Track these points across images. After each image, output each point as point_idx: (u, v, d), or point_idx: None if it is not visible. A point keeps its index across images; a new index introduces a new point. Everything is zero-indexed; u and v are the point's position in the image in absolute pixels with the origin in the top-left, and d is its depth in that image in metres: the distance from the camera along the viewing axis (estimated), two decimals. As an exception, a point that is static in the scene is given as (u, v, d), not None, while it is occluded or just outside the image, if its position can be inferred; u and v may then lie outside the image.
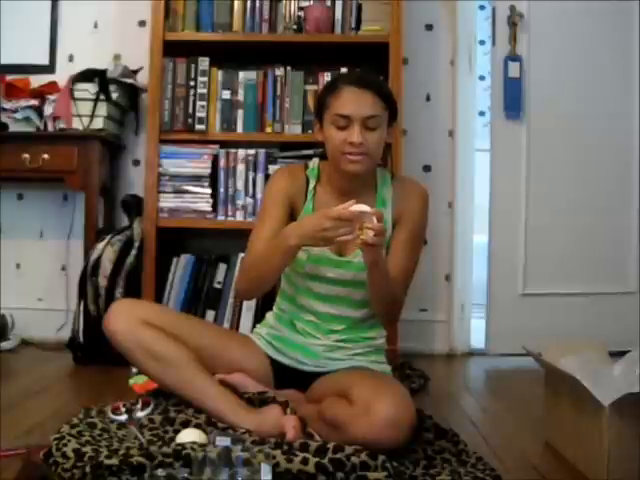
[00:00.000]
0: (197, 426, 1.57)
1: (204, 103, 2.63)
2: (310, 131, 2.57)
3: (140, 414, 1.65)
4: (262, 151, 2.65)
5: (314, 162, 1.83)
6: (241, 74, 2.66)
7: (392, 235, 1.73)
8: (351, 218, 1.50)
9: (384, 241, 1.58)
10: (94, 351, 2.41)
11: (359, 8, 2.63)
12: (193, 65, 2.64)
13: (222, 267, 2.63)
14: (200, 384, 1.63)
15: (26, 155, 2.59)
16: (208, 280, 2.62)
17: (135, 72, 2.82)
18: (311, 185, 1.78)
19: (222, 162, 2.65)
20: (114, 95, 2.70)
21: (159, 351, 1.64)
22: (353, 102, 1.63)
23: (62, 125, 2.64)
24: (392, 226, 1.74)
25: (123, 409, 1.67)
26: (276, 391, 1.71)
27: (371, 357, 1.78)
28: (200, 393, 1.62)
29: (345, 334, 1.76)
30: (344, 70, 2.60)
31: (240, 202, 2.62)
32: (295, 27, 2.64)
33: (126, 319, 1.67)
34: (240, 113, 2.65)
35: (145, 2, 2.68)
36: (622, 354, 1.56)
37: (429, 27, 2.95)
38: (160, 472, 1.29)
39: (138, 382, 2.02)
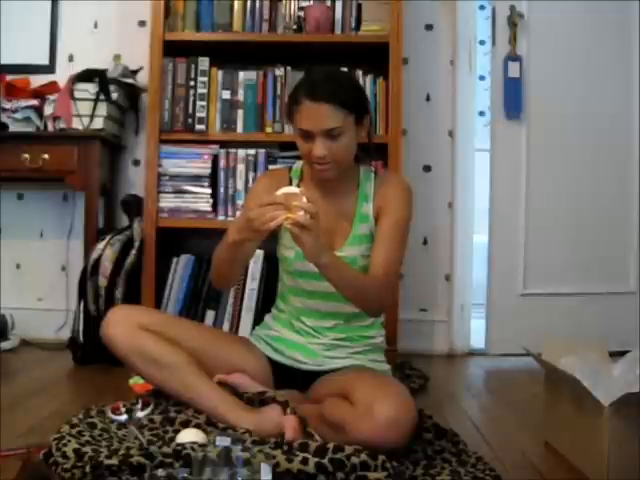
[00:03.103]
0: (197, 426, 1.57)
1: (204, 103, 2.63)
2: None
3: (140, 414, 1.65)
4: (262, 151, 2.65)
5: (298, 163, 1.85)
6: (241, 74, 2.66)
7: (375, 229, 1.73)
8: (275, 202, 1.47)
9: (318, 226, 1.49)
10: (94, 351, 2.41)
11: (359, 8, 2.63)
12: (193, 65, 2.64)
13: (222, 267, 2.63)
14: (199, 386, 1.63)
15: (26, 155, 2.59)
16: (208, 280, 2.62)
17: (135, 72, 2.82)
18: (294, 184, 1.80)
19: (222, 162, 2.65)
20: (114, 95, 2.69)
21: (157, 355, 1.64)
22: (311, 118, 1.61)
23: (62, 125, 2.64)
24: (375, 220, 1.74)
25: (123, 409, 1.67)
26: (276, 391, 1.71)
27: (369, 356, 1.78)
28: (199, 395, 1.62)
29: (343, 332, 1.76)
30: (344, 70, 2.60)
31: (240, 202, 2.62)
32: (295, 27, 2.64)
33: (124, 325, 1.67)
34: (240, 113, 2.65)
35: (145, 2, 2.68)
36: (622, 354, 1.56)
37: (429, 27, 2.95)
38: (160, 472, 1.29)
39: (138, 382, 2.02)
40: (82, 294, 2.52)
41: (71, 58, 2.96)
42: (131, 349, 1.65)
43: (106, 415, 1.66)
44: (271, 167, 2.61)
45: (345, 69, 2.59)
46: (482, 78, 3.46)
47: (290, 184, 1.79)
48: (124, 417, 1.65)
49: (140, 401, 1.70)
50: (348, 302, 1.67)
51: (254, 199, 1.67)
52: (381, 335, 1.85)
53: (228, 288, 1.81)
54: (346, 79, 1.72)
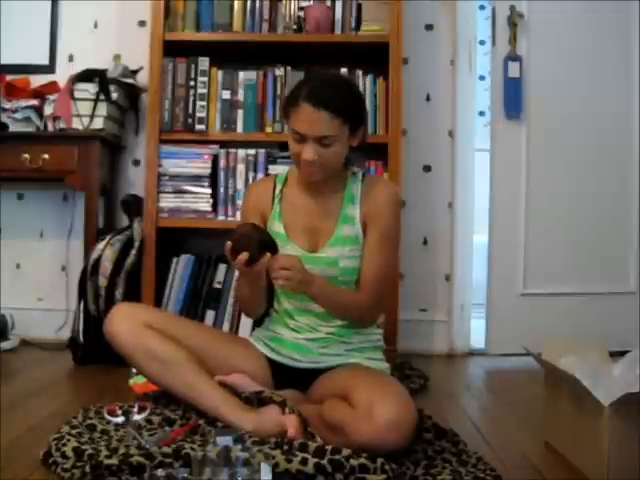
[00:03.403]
0: (197, 427, 1.57)
1: (204, 103, 2.63)
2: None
3: (137, 417, 1.65)
4: (262, 151, 2.65)
5: (285, 169, 1.89)
6: (241, 74, 2.66)
7: (364, 239, 1.75)
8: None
9: (297, 274, 1.58)
10: (94, 351, 2.42)
11: (359, 8, 2.63)
12: (193, 65, 2.64)
13: (222, 267, 2.63)
14: (200, 385, 1.63)
15: (26, 155, 2.59)
16: (208, 280, 2.62)
17: (135, 72, 2.82)
18: (277, 190, 1.83)
19: (222, 162, 2.65)
20: (114, 95, 2.69)
21: (160, 353, 1.65)
22: (307, 122, 1.61)
23: (62, 125, 2.64)
24: (362, 224, 1.75)
25: (119, 412, 1.67)
26: (274, 391, 1.71)
27: (366, 353, 1.78)
28: (201, 395, 1.62)
29: (337, 328, 1.77)
30: (344, 70, 2.61)
31: (240, 202, 2.62)
32: (295, 27, 2.64)
33: (128, 321, 1.69)
34: (240, 113, 2.65)
35: (145, 2, 2.68)
36: (622, 354, 1.56)
37: (429, 27, 2.95)
38: (160, 472, 1.29)
39: (138, 382, 2.02)
40: (82, 294, 2.52)
41: (71, 58, 2.96)
42: (135, 346, 1.66)
43: (102, 417, 1.67)
44: (273, 166, 2.63)
45: (345, 69, 2.61)
46: (482, 78, 3.46)
47: (274, 191, 1.83)
48: (120, 419, 1.65)
49: (137, 405, 1.71)
50: None
51: (246, 218, 1.82)
52: (378, 333, 1.85)
53: (259, 315, 1.86)
54: (348, 88, 1.71)
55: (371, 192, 1.76)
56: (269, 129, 2.64)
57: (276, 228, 1.78)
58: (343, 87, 1.69)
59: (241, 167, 2.65)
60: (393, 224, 1.76)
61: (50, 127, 2.66)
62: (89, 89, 2.66)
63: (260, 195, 1.84)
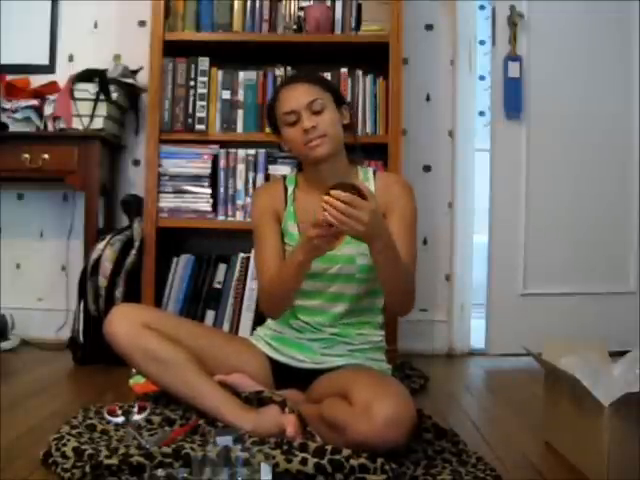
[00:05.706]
0: (197, 427, 1.57)
1: (204, 103, 2.63)
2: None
3: (137, 417, 1.65)
4: (262, 151, 2.65)
5: (291, 173, 1.92)
6: (241, 74, 2.66)
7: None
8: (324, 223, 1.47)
9: (358, 212, 1.44)
10: (94, 351, 2.42)
11: (359, 8, 2.63)
12: (193, 65, 2.64)
13: (222, 267, 2.63)
14: (201, 386, 1.63)
15: (26, 155, 2.59)
16: (208, 280, 2.62)
17: (135, 72, 2.82)
18: (289, 190, 1.84)
19: (222, 162, 2.65)
20: (114, 95, 2.69)
21: (159, 353, 1.65)
22: (291, 97, 1.72)
23: (62, 125, 2.64)
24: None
25: (119, 412, 1.68)
26: (274, 391, 1.71)
27: (368, 354, 1.78)
28: (201, 395, 1.62)
29: (340, 328, 1.77)
30: (344, 70, 2.61)
31: (240, 202, 2.62)
32: (295, 27, 2.63)
33: (127, 322, 1.69)
34: (240, 113, 2.65)
35: (145, 2, 2.68)
36: (622, 354, 1.56)
37: (429, 27, 2.95)
38: (160, 472, 1.29)
39: (138, 382, 2.02)
40: (82, 294, 2.52)
41: (71, 58, 2.96)
42: (134, 347, 1.66)
43: (102, 417, 1.67)
44: (273, 166, 2.63)
45: (345, 69, 2.61)
46: (482, 78, 3.46)
47: (286, 192, 1.83)
48: (120, 419, 1.65)
49: (137, 405, 1.71)
50: (337, 302, 1.73)
51: (260, 219, 1.80)
52: (380, 334, 1.85)
53: (281, 314, 1.80)
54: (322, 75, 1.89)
55: (385, 187, 1.78)
56: (269, 129, 2.63)
57: (290, 228, 1.78)
58: (316, 71, 1.90)
59: (241, 167, 2.64)
60: (412, 213, 1.77)
61: (50, 127, 2.66)
62: (89, 89, 2.66)
63: (272, 196, 1.84)
